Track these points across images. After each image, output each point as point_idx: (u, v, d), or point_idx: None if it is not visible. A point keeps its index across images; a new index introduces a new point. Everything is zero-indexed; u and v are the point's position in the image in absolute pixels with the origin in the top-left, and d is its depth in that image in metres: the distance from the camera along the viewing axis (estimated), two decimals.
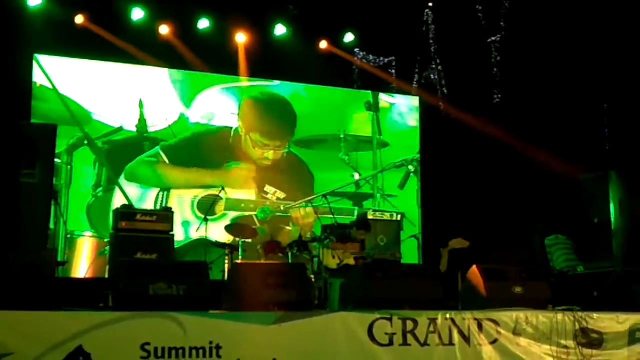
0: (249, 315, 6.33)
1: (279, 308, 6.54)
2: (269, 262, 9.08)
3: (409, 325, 6.71)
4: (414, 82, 12.79)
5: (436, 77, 12.59)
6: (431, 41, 12.45)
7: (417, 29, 12.38)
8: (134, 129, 11.53)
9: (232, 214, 11.75)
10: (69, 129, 11.05)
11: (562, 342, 7.16)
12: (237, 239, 10.05)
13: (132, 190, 11.32)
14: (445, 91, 12.55)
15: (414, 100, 13.26)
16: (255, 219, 11.88)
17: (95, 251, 10.99)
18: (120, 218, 8.83)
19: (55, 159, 8.98)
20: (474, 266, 7.75)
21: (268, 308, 6.54)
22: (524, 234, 10.80)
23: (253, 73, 12.20)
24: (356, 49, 12.77)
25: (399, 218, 11.26)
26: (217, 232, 10.55)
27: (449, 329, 6.83)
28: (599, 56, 11.56)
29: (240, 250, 9.77)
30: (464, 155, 12.53)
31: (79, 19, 11.05)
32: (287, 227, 12.01)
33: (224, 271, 9.49)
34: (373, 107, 13.04)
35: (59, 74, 11.14)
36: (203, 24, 11.83)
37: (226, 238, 10.37)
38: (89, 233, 11.06)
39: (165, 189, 11.53)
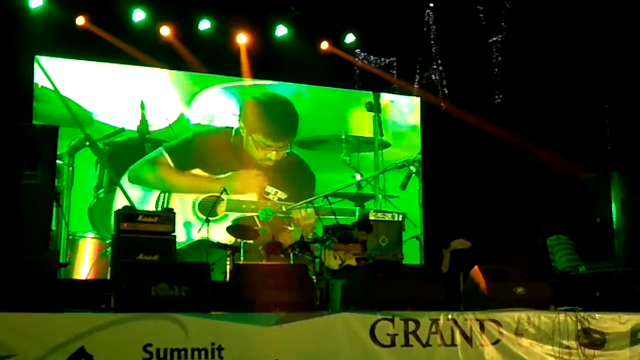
0: (251, 316, 6.33)
1: (281, 309, 6.53)
2: (271, 263, 9.07)
3: (411, 326, 6.71)
4: (415, 83, 12.79)
5: (437, 77, 12.59)
6: (432, 42, 12.46)
7: (418, 29, 12.39)
8: (136, 130, 11.54)
9: (234, 215, 11.75)
10: (71, 131, 11.06)
11: (565, 342, 7.15)
12: (239, 240, 10.05)
13: (134, 192, 11.32)
14: (446, 92, 12.55)
15: (416, 101, 13.27)
16: (257, 220, 11.88)
17: (97, 252, 11.00)
18: (122, 219, 8.83)
19: (57, 161, 8.96)
20: (476, 267, 7.75)
21: (270, 309, 6.53)
22: (525, 234, 10.79)
23: (254, 74, 12.21)
24: (357, 50, 12.77)
25: (400, 219, 11.26)
26: (218, 233, 10.55)
27: (451, 329, 6.83)
28: (601, 56, 11.55)
29: (242, 251, 9.77)
30: (466, 155, 12.53)
31: (80, 20, 11.06)
32: (289, 228, 12.01)
33: (225, 272, 9.49)
34: (374, 107, 13.04)
35: (60, 76, 11.15)
36: (204, 25, 11.84)
37: (228, 239, 10.37)
38: (90, 234, 11.06)
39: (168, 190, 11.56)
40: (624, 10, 11.15)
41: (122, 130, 11.46)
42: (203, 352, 6.02)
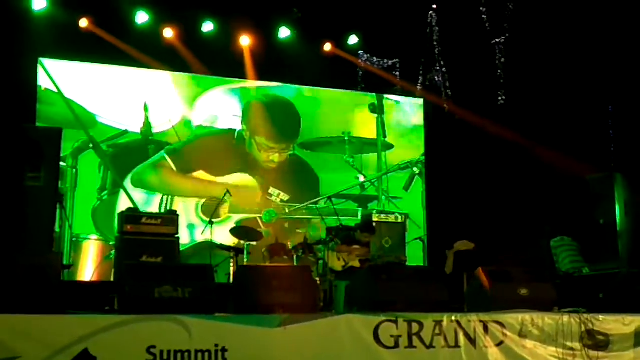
0: (254, 318, 6.33)
1: (285, 311, 6.53)
2: (274, 265, 9.08)
3: (415, 327, 6.70)
4: (419, 84, 12.79)
5: (440, 79, 12.58)
6: (435, 43, 12.45)
7: (421, 31, 12.38)
8: (139, 132, 11.55)
9: (237, 217, 11.75)
10: (74, 133, 11.07)
11: (568, 344, 7.14)
12: (242, 241, 10.05)
13: (138, 194, 11.33)
14: (449, 93, 12.55)
15: (419, 102, 13.26)
16: (260, 222, 11.88)
17: (100, 254, 11.01)
18: (126, 221, 8.85)
19: (61, 163, 9.01)
20: (480, 268, 7.74)
21: (273, 311, 6.53)
22: (529, 235, 10.79)
23: (257, 76, 12.20)
24: (360, 51, 12.77)
25: (404, 220, 11.25)
26: (222, 235, 10.56)
27: (454, 331, 6.83)
28: (604, 57, 11.54)
29: (245, 253, 9.77)
30: (469, 157, 12.53)
31: (84, 22, 11.06)
32: (298, 231, 11.94)
33: (229, 274, 9.48)
34: (378, 109, 13.03)
35: (64, 78, 11.16)
36: (207, 27, 11.84)
37: (231, 241, 10.37)
38: (94, 236, 11.07)
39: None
40: (627, 12, 11.14)
41: (126, 132, 11.47)
42: (207, 354, 6.03)
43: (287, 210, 12.13)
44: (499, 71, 12.24)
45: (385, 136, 13.00)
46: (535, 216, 11.41)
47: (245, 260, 9.72)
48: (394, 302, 6.92)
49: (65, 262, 9.44)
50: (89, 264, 10.95)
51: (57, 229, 8.23)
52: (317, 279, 8.59)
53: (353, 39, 12.72)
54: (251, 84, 12.34)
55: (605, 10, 11.20)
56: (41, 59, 11.02)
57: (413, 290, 7.21)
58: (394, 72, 12.82)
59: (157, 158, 11.56)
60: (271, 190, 12.12)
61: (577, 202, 10.68)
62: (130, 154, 11.49)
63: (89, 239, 11.03)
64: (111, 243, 10.52)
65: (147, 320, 5.98)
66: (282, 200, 12.14)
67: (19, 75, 10.68)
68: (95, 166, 11.23)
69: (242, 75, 12.19)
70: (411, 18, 12.22)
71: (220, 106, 12.14)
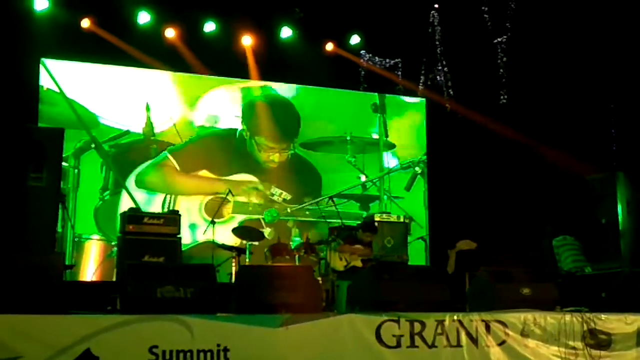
0: (256, 318, 6.33)
1: (287, 310, 6.52)
2: (277, 264, 9.08)
3: (417, 327, 6.70)
4: (421, 84, 12.79)
5: (442, 78, 12.58)
6: (437, 43, 12.45)
7: (423, 30, 12.38)
8: (141, 132, 11.56)
9: (240, 217, 11.75)
10: (77, 133, 11.08)
11: (571, 343, 7.13)
12: (244, 241, 10.05)
13: (140, 194, 11.34)
14: (451, 92, 12.55)
15: (421, 102, 13.25)
16: (263, 222, 11.88)
17: (102, 254, 11.02)
18: (128, 221, 8.85)
19: (63, 163, 9.01)
20: (482, 268, 7.74)
21: (275, 311, 6.53)
22: (531, 235, 10.78)
23: (259, 76, 12.21)
24: (362, 51, 12.77)
25: (405, 220, 11.25)
26: (224, 235, 10.55)
27: (456, 330, 6.82)
28: (606, 56, 11.54)
29: (247, 253, 9.78)
30: (471, 156, 12.53)
31: (86, 23, 11.07)
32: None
33: (231, 274, 9.49)
34: (379, 109, 13.03)
35: (66, 78, 11.17)
36: (209, 27, 11.84)
37: (233, 241, 10.37)
38: (96, 236, 11.08)
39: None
40: (629, 11, 11.13)
41: (128, 132, 11.47)
42: (209, 354, 6.02)
43: (289, 210, 12.13)
44: (501, 71, 12.24)
45: (387, 136, 13.00)
46: (537, 216, 11.40)
47: (247, 260, 9.73)
48: (396, 301, 6.92)
49: (67, 262, 9.47)
50: (91, 264, 10.96)
51: (59, 229, 8.25)
52: (319, 278, 8.59)
53: (355, 39, 12.72)
54: (253, 84, 12.34)
55: (606, 9, 11.19)
56: (43, 59, 11.03)
57: (415, 289, 7.20)
58: (395, 72, 12.83)
59: (160, 158, 11.57)
60: (273, 189, 12.13)
61: (579, 202, 10.68)
62: (132, 154, 11.50)
63: (91, 239, 11.04)
64: (113, 243, 10.53)
65: (149, 320, 5.98)
66: (284, 200, 12.14)
67: (21, 76, 10.69)
68: (97, 166, 11.24)
69: (244, 75, 12.20)
70: (413, 18, 12.22)
71: (222, 106, 12.14)
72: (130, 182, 11.35)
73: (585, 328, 7.21)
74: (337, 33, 12.54)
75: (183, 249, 9.39)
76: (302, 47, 12.26)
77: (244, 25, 11.96)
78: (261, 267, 8.86)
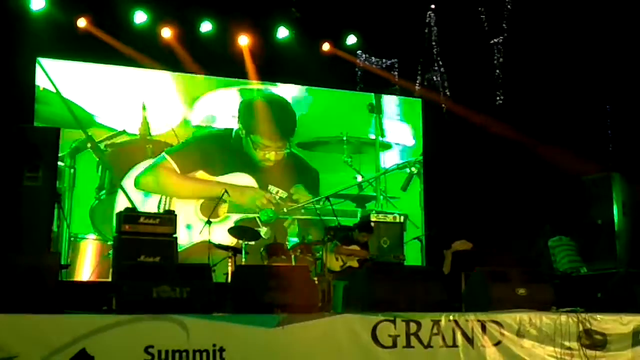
0: (252, 317, 6.33)
1: (283, 310, 6.53)
2: (273, 264, 9.08)
3: (413, 327, 6.71)
4: (417, 84, 12.80)
5: (439, 79, 12.59)
6: (434, 43, 12.46)
7: (419, 31, 12.39)
8: (137, 132, 11.55)
9: (236, 217, 11.75)
10: (72, 132, 11.08)
11: (566, 343, 7.14)
12: (240, 241, 10.04)
13: (136, 194, 11.32)
14: (448, 93, 12.56)
15: (417, 102, 13.26)
16: (259, 221, 11.88)
17: (98, 254, 11.01)
18: (124, 221, 8.83)
19: (59, 162, 8.99)
20: (478, 268, 7.74)
21: (271, 311, 6.53)
22: (527, 235, 10.79)
23: (256, 75, 12.21)
24: (359, 51, 12.78)
25: (402, 220, 11.26)
26: (220, 234, 10.55)
27: (452, 331, 6.83)
28: (602, 57, 11.55)
29: (243, 252, 9.77)
30: (467, 157, 12.54)
31: (82, 22, 11.07)
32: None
33: (227, 274, 9.49)
34: (376, 109, 13.04)
35: (62, 78, 11.16)
36: (206, 27, 11.84)
37: (230, 241, 10.37)
38: (92, 236, 11.07)
39: None
40: (625, 12, 11.15)
41: (124, 132, 11.47)
42: (205, 354, 6.02)
43: (285, 210, 12.13)
44: (497, 71, 12.25)
45: (383, 136, 13.00)
46: (533, 216, 11.41)
47: (244, 260, 9.72)
48: (391, 301, 6.92)
49: (63, 262, 9.44)
50: (87, 264, 10.95)
51: (55, 229, 8.25)
52: (315, 278, 8.59)
53: (351, 39, 12.72)
54: (249, 83, 12.33)
55: (603, 9, 11.20)
56: (39, 59, 11.02)
57: (411, 290, 7.21)
58: (392, 72, 12.84)
59: (159, 161, 11.55)
60: (270, 187, 12.13)
61: (575, 202, 10.69)
62: (128, 153, 11.49)
63: (87, 238, 11.04)
64: (109, 243, 10.52)
65: (145, 320, 5.97)
66: (281, 198, 12.14)
67: (17, 75, 10.69)
68: (93, 166, 11.23)
69: (241, 75, 12.20)
70: (410, 18, 12.23)
71: (219, 106, 12.14)
72: (128, 182, 11.33)
73: (580, 328, 7.21)
74: (333, 33, 12.54)
75: (179, 249, 9.37)
76: (298, 47, 12.26)
77: (241, 25, 11.97)
78: (257, 267, 8.87)
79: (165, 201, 11.43)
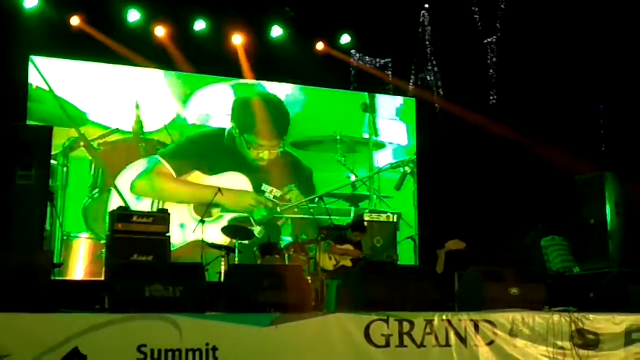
0: (245, 316, 6.32)
1: (276, 310, 6.53)
2: (266, 263, 9.07)
3: (406, 326, 6.71)
4: (410, 84, 12.81)
5: (432, 78, 12.60)
6: (427, 42, 12.47)
7: (413, 30, 12.40)
8: (130, 131, 11.52)
9: (229, 216, 11.73)
10: (65, 131, 11.05)
11: (559, 343, 7.15)
12: (233, 240, 10.03)
13: (129, 193, 11.29)
14: (441, 92, 12.57)
15: (411, 102, 13.26)
16: (252, 221, 11.87)
17: (91, 253, 10.99)
18: (117, 220, 8.81)
19: (52, 161, 8.97)
20: (471, 267, 7.75)
21: (264, 310, 6.53)
22: (520, 235, 10.80)
23: (250, 74, 12.20)
24: (353, 51, 12.78)
25: (395, 219, 11.25)
26: (213, 233, 10.54)
27: (445, 330, 6.83)
28: (595, 57, 11.57)
29: (236, 251, 9.76)
30: (460, 156, 12.55)
31: (75, 20, 11.04)
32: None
33: (220, 273, 9.48)
34: (369, 108, 13.04)
35: (55, 76, 11.13)
36: (199, 25, 11.82)
37: (223, 240, 10.35)
38: (85, 234, 11.04)
39: None
40: (618, 12, 11.17)
41: (117, 130, 11.44)
42: (197, 353, 6.01)
43: (278, 210, 12.13)
44: (491, 70, 12.26)
45: (376, 135, 13.01)
46: (526, 215, 11.42)
47: (237, 259, 9.71)
48: (384, 301, 6.93)
49: (55, 261, 9.44)
50: (80, 263, 10.93)
51: (47, 227, 8.22)
52: (309, 277, 8.59)
53: (345, 38, 12.72)
54: (243, 82, 12.32)
55: (596, 10, 11.23)
56: (32, 57, 10.98)
57: (404, 289, 7.21)
58: (386, 71, 12.84)
59: (154, 164, 11.50)
60: (264, 186, 12.12)
61: (567, 202, 10.71)
62: (121, 152, 11.46)
63: (80, 237, 11.01)
64: (102, 241, 10.50)
65: (137, 319, 5.97)
66: (275, 197, 12.13)
67: (10, 73, 10.66)
68: (86, 164, 11.21)
69: (234, 74, 12.19)
70: (403, 17, 12.24)
71: (212, 105, 12.12)
72: (120, 180, 11.30)
73: (573, 328, 7.23)
74: (327, 32, 12.54)
75: (172, 248, 9.36)
76: (292, 46, 12.25)
77: (235, 23, 11.95)
78: (250, 266, 8.86)
79: (159, 200, 11.40)
